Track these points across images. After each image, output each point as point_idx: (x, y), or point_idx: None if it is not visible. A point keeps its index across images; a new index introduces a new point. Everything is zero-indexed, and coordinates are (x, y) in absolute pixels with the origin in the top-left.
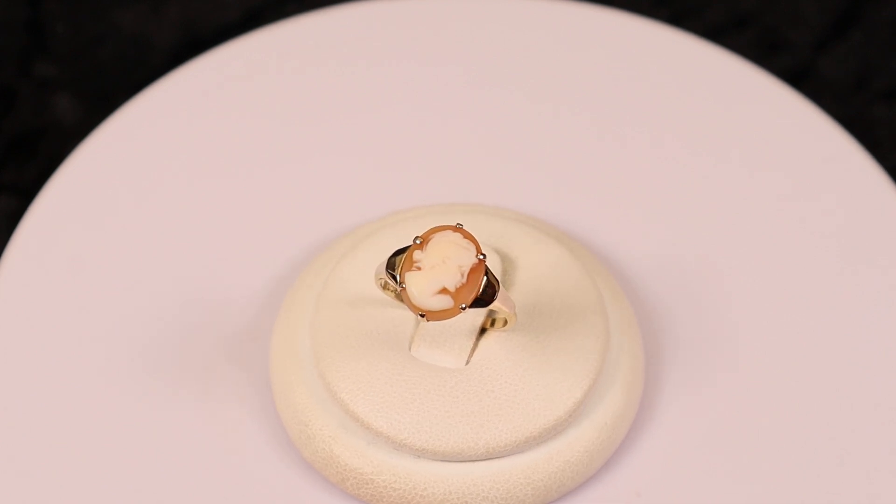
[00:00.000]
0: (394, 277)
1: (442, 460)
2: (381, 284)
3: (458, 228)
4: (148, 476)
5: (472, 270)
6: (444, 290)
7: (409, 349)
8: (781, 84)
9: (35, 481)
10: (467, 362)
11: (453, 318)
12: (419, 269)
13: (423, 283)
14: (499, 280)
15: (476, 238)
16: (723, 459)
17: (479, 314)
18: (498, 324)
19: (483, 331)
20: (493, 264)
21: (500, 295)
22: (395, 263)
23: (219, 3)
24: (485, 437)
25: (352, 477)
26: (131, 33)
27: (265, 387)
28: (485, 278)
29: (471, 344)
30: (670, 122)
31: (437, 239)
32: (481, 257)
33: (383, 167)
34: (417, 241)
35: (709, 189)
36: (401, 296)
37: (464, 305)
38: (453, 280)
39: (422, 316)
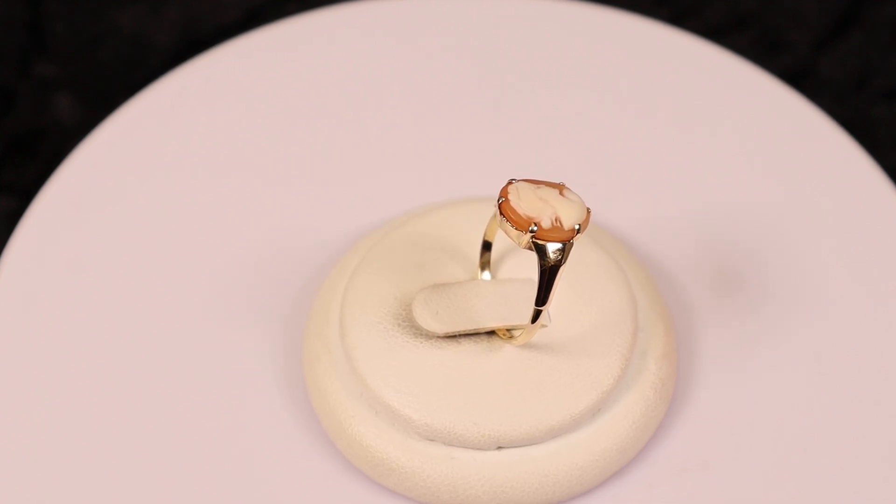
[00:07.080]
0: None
1: (477, 448)
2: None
3: (504, 202)
4: (149, 475)
5: (546, 184)
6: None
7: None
8: (781, 84)
9: (35, 482)
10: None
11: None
12: (551, 209)
13: (570, 204)
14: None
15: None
16: (755, 448)
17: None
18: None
19: None
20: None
21: None
22: None
23: (219, 3)
24: (525, 421)
25: (383, 466)
26: (131, 33)
27: (281, 389)
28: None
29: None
30: (670, 121)
31: (518, 204)
32: (519, 179)
33: (383, 167)
34: (533, 229)
35: (708, 189)
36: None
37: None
38: (557, 193)
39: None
